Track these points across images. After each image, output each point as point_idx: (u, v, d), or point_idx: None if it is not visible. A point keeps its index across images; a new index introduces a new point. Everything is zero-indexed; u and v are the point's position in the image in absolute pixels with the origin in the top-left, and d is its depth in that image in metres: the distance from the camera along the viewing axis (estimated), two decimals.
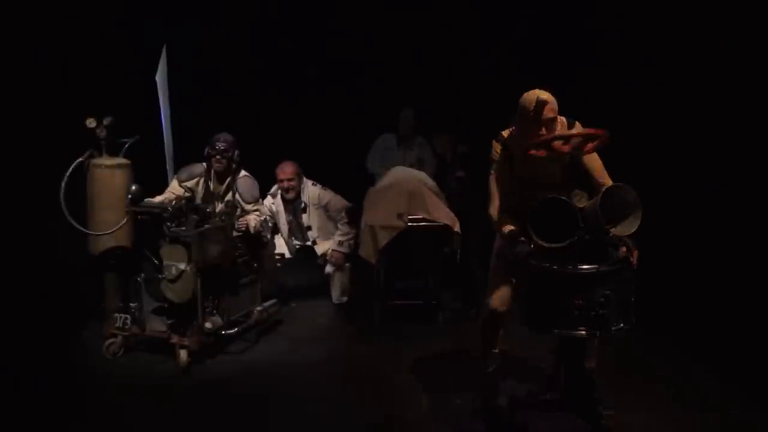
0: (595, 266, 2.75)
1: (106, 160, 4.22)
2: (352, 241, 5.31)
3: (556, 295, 2.77)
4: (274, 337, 4.78)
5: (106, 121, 4.19)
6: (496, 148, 3.22)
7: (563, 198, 2.83)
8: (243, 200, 4.76)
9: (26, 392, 3.87)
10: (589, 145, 2.95)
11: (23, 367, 4.18)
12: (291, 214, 5.44)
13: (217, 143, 4.69)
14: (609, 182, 3.06)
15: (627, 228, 2.78)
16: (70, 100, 5.42)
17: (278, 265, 5.37)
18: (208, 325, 4.25)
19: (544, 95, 2.99)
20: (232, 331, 4.42)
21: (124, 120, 4.33)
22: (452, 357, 4.34)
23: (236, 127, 4.96)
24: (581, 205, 2.85)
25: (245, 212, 4.76)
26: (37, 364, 4.24)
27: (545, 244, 2.78)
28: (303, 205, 5.37)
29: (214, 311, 4.36)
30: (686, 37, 6.07)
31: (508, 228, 3.08)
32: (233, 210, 4.71)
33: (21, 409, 3.68)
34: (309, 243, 5.46)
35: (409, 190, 4.98)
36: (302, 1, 7.15)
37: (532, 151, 2.92)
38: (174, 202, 4.31)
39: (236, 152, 4.75)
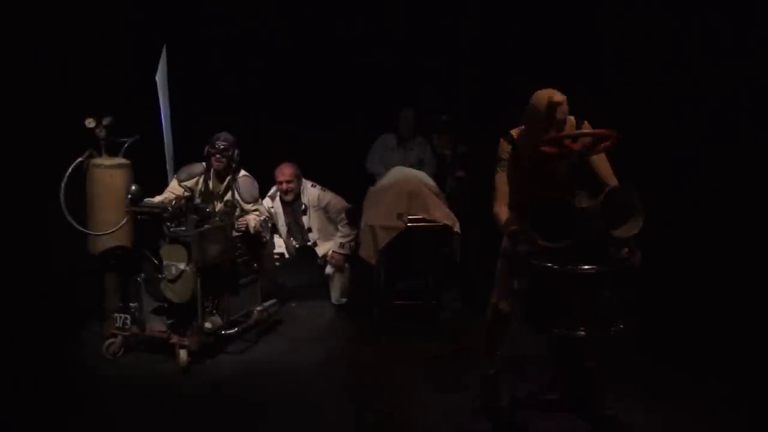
0: (596, 266, 2.75)
1: (106, 160, 4.21)
2: (352, 243, 5.29)
3: (556, 295, 2.76)
4: (274, 337, 4.77)
5: (105, 121, 4.18)
6: (505, 146, 3.19)
7: (565, 198, 2.83)
8: (242, 200, 4.76)
9: (26, 392, 3.87)
10: (599, 146, 2.94)
11: (23, 367, 4.18)
12: (290, 216, 5.42)
13: (217, 142, 4.69)
14: (615, 183, 3.05)
15: (629, 229, 2.77)
16: (70, 100, 5.41)
17: (277, 264, 5.37)
18: (208, 325, 4.25)
19: (557, 97, 2.96)
20: (232, 331, 4.42)
21: (124, 120, 4.32)
22: (452, 357, 4.34)
23: (236, 127, 4.96)
24: (583, 205, 2.85)
25: (244, 212, 4.76)
26: (37, 364, 4.24)
27: (546, 244, 2.78)
28: (303, 206, 5.36)
29: (214, 311, 4.36)
30: (687, 37, 6.07)
31: (512, 227, 3.07)
32: (233, 210, 4.71)
33: (21, 409, 3.67)
34: (309, 244, 5.46)
35: (409, 190, 4.98)
36: (302, 1, 7.15)
37: (543, 148, 2.91)
38: (174, 202, 4.31)
39: (236, 152, 4.74)
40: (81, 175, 4.19)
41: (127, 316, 4.32)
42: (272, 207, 5.38)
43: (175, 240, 4.13)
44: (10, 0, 5.90)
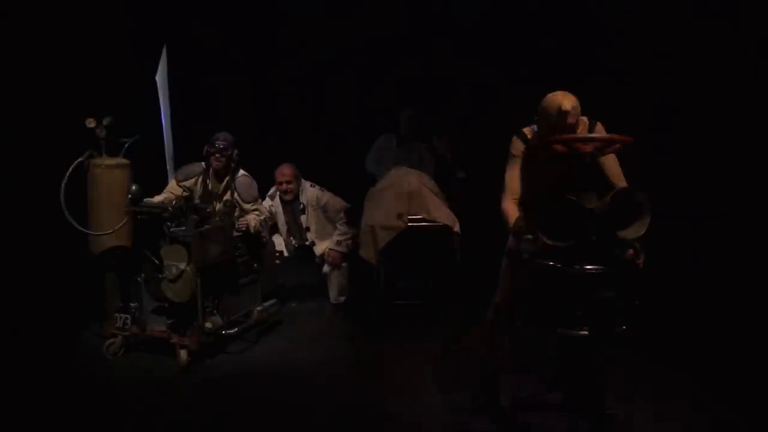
0: (601, 267, 2.74)
1: (106, 160, 4.21)
2: (350, 241, 5.31)
3: (560, 295, 2.76)
4: (274, 337, 4.77)
5: (105, 121, 4.18)
6: (518, 143, 3.18)
7: (572, 198, 2.82)
8: (242, 200, 4.76)
9: (26, 392, 3.87)
10: (610, 148, 2.94)
11: (23, 367, 4.18)
12: (289, 215, 5.45)
13: (216, 141, 4.69)
14: (624, 185, 3.04)
15: (635, 231, 2.77)
16: (70, 100, 5.41)
17: (277, 262, 5.37)
18: (208, 324, 4.25)
19: (567, 104, 2.92)
20: (232, 331, 4.42)
21: (124, 120, 4.32)
22: (452, 357, 4.34)
23: (236, 127, 4.96)
24: (590, 206, 2.85)
25: (244, 212, 4.76)
26: (37, 363, 4.23)
27: (551, 243, 2.78)
28: (301, 206, 5.38)
29: (215, 311, 4.36)
30: (689, 38, 6.07)
31: (518, 225, 3.07)
32: (232, 210, 4.71)
33: (21, 409, 3.67)
34: (307, 243, 5.47)
35: (409, 191, 4.98)
36: (302, 1, 7.15)
37: (555, 146, 2.90)
38: (174, 201, 4.30)
39: (235, 151, 4.75)
40: (81, 175, 4.19)
41: (127, 316, 4.32)
42: (272, 206, 5.40)
43: (175, 240, 4.13)
44: (10, 0, 5.89)
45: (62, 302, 5.06)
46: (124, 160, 4.27)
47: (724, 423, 3.46)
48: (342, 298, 5.43)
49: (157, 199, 4.59)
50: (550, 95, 3.00)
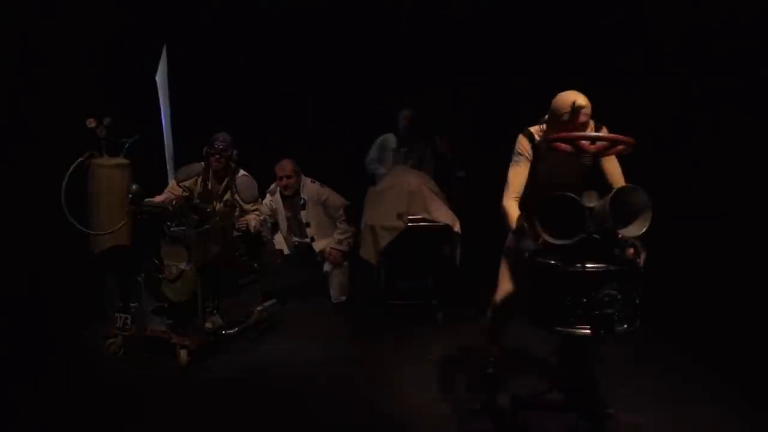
0: (601, 265, 2.75)
1: (106, 160, 4.21)
2: (350, 240, 5.32)
3: (560, 293, 2.76)
4: (275, 336, 4.77)
5: (105, 122, 4.19)
6: (524, 142, 3.18)
7: (572, 195, 2.82)
8: (242, 200, 4.77)
9: (26, 392, 3.87)
10: (614, 149, 2.94)
11: (24, 367, 4.17)
12: (290, 211, 5.46)
13: (216, 142, 4.69)
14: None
15: (635, 229, 2.77)
16: (71, 100, 5.41)
17: (279, 261, 5.38)
18: (208, 324, 4.26)
19: (581, 100, 2.94)
20: (232, 331, 4.42)
21: (124, 120, 4.32)
22: (452, 357, 4.34)
23: (236, 126, 4.96)
24: (591, 204, 2.85)
25: (244, 212, 4.77)
26: (37, 364, 4.23)
27: (551, 240, 2.78)
28: (302, 201, 5.40)
29: (215, 311, 4.36)
30: (689, 37, 6.07)
31: (518, 223, 3.07)
32: (232, 210, 4.71)
33: (21, 409, 3.67)
34: (307, 240, 5.47)
35: (409, 190, 4.98)
36: (302, 0, 7.15)
37: (558, 144, 2.90)
38: (174, 201, 4.30)
39: (235, 151, 4.75)
40: (82, 175, 4.19)
41: (127, 316, 4.32)
42: (272, 202, 5.42)
43: (175, 240, 4.14)
44: (11, 1, 5.89)
45: (62, 302, 5.06)
46: (125, 160, 4.27)
47: (725, 423, 3.46)
48: (343, 298, 5.43)
49: (158, 199, 4.59)
50: (563, 93, 3.02)
